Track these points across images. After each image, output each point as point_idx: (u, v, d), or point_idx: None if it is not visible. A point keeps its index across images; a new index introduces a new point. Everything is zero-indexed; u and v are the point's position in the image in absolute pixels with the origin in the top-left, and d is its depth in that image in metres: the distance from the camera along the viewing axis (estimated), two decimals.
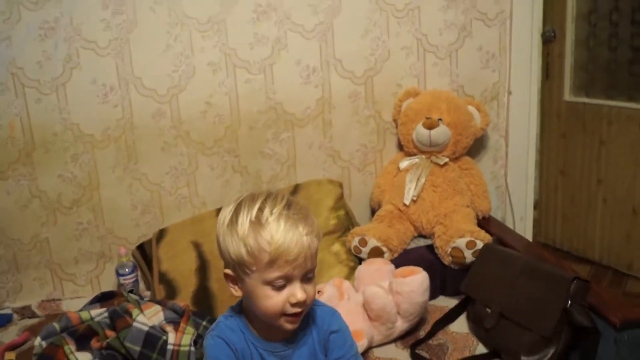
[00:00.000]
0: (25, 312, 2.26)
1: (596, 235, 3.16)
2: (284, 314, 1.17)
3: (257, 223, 1.14)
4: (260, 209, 1.15)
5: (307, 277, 1.17)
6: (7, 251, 2.28)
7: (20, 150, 2.20)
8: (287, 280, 1.15)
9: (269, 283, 1.15)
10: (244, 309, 1.26)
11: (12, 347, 2.02)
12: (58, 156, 2.23)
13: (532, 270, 1.78)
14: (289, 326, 1.19)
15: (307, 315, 1.26)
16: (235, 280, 1.20)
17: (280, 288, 1.15)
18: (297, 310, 1.16)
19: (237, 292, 1.22)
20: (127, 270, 2.20)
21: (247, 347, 1.23)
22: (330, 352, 1.27)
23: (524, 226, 2.69)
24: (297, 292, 1.15)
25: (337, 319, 1.30)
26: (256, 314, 1.21)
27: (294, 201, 1.19)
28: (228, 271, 1.21)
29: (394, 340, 1.91)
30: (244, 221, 1.15)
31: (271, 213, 1.14)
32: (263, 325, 1.23)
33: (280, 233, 1.12)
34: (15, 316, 2.25)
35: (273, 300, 1.15)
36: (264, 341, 1.24)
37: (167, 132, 2.27)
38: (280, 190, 1.23)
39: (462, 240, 2.06)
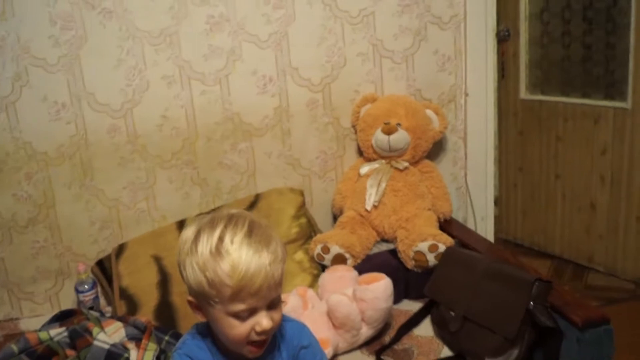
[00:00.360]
0: None
1: (556, 230, 3.23)
2: (249, 342, 1.13)
3: (217, 254, 1.08)
4: (220, 238, 1.09)
5: (273, 304, 1.13)
6: None
7: None
8: (252, 311, 1.11)
9: (234, 315, 1.11)
10: (210, 329, 1.22)
11: None
12: (11, 175, 2.17)
13: (494, 273, 1.80)
14: (252, 355, 1.16)
15: (276, 332, 1.22)
16: (199, 307, 1.17)
17: (245, 318, 1.11)
18: (263, 337, 1.13)
19: (202, 318, 1.18)
20: (86, 287, 2.16)
21: None
22: None
23: (485, 225, 2.71)
24: (262, 321, 1.11)
25: (307, 333, 1.28)
26: (221, 339, 1.19)
27: (256, 225, 1.13)
28: (191, 298, 1.17)
29: (360, 347, 1.91)
30: (204, 251, 1.09)
31: (232, 242, 1.09)
32: (230, 348, 1.20)
33: (242, 265, 1.07)
34: None
35: (238, 330, 1.11)
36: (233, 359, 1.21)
37: (123, 147, 2.24)
38: (241, 212, 1.18)
39: (425, 244, 2.07)
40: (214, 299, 1.11)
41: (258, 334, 1.12)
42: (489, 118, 2.64)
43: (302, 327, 1.28)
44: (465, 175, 2.67)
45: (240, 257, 1.07)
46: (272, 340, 1.22)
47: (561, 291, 1.81)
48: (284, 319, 1.26)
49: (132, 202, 2.30)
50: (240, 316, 1.11)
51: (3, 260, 2.24)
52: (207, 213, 1.97)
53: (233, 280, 1.07)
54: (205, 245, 1.10)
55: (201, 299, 1.14)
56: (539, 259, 3.18)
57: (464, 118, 2.60)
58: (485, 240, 2.37)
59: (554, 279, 1.79)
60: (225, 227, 1.11)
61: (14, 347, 1.80)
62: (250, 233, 1.11)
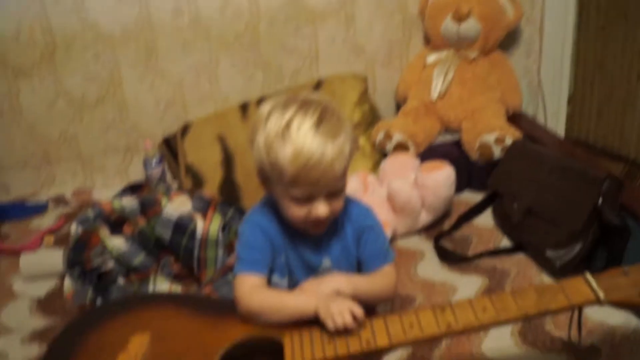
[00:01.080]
0: (60, 201, 2.35)
1: (633, 132, 3.07)
2: (307, 222, 1.15)
3: (282, 137, 1.08)
4: (288, 123, 1.08)
5: (333, 194, 1.13)
6: (38, 146, 2.33)
7: (42, 52, 2.20)
8: (310, 198, 1.11)
9: (292, 198, 1.12)
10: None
11: (50, 232, 2.12)
12: (79, 56, 2.22)
13: (563, 168, 1.75)
14: (313, 232, 1.18)
15: (342, 211, 1.23)
16: (265, 181, 1.19)
17: (302, 202, 1.12)
18: (318, 222, 1.14)
19: (267, 190, 1.21)
20: (154, 162, 2.23)
21: (281, 237, 1.23)
22: (362, 247, 1.25)
23: (556, 122, 2.62)
24: (318, 208, 1.12)
25: (371, 215, 1.28)
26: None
27: (328, 115, 1.10)
28: (259, 170, 1.19)
29: (418, 232, 1.93)
30: (271, 132, 1.09)
31: (298, 128, 1.07)
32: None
33: (304, 153, 1.06)
34: (50, 204, 2.34)
35: (295, 212, 1.13)
36: (299, 234, 1.22)
37: (186, 29, 2.24)
38: (317, 99, 1.14)
39: (491, 135, 2.02)
40: (274, 180, 1.13)
41: (313, 220, 1.13)
42: (569, 9, 2.48)
43: (367, 210, 1.28)
44: (539, 69, 2.55)
45: (303, 145, 1.06)
46: (339, 219, 1.23)
47: (632, 191, 1.75)
48: (351, 200, 1.27)
49: (196, 84, 2.31)
50: (298, 200, 1.12)
51: (76, 136, 2.34)
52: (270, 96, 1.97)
53: (292, 167, 1.07)
54: (273, 126, 1.10)
55: (265, 176, 1.16)
56: (611, 161, 3.06)
57: (541, 7, 2.45)
58: (555, 136, 2.28)
59: (626, 181, 1.71)
60: (296, 112, 1.09)
61: (90, 213, 1.90)
62: (319, 122, 1.08)
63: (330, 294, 1.15)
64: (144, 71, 2.27)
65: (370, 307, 1.22)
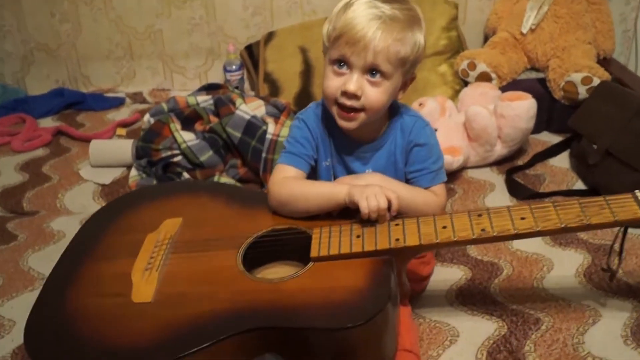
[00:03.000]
0: (137, 97, 2.41)
1: None
2: (337, 102, 1.14)
3: (348, 5, 1.10)
4: None
5: (372, 75, 1.11)
6: (123, 38, 2.38)
7: None
8: (347, 65, 1.11)
9: (332, 63, 1.13)
10: None
11: (123, 125, 2.17)
12: None
13: None
14: (341, 121, 1.16)
15: (396, 121, 1.22)
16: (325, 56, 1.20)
17: (340, 74, 1.12)
18: (347, 102, 1.12)
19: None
20: (234, 67, 2.25)
21: (326, 137, 1.23)
22: (410, 164, 1.23)
23: None
24: (350, 81, 1.11)
25: (427, 132, 1.23)
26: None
27: (398, 5, 1.10)
28: (323, 48, 1.20)
29: (490, 165, 1.90)
30: (340, 4, 1.12)
31: (364, 2, 1.09)
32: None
33: (355, 16, 1.08)
34: (127, 100, 2.40)
35: (330, 82, 1.13)
36: (346, 137, 1.22)
37: None
38: None
39: (578, 75, 1.96)
40: (325, 44, 1.15)
41: (343, 93, 1.12)
42: None
43: (424, 125, 1.24)
44: (637, 17, 2.42)
45: (358, 8, 1.08)
46: (390, 126, 1.22)
47: None
48: (409, 113, 1.25)
49: None
50: (336, 67, 1.12)
51: (161, 32, 2.37)
52: None
53: (339, 24, 1.09)
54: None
55: (324, 49, 1.17)
56: None
57: None
58: None
59: None
60: None
61: (164, 106, 1.94)
62: (386, 2, 1.10)
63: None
64: None
65: None
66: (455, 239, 1.06)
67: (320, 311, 0.97)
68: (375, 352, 1.00)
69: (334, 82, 1.13)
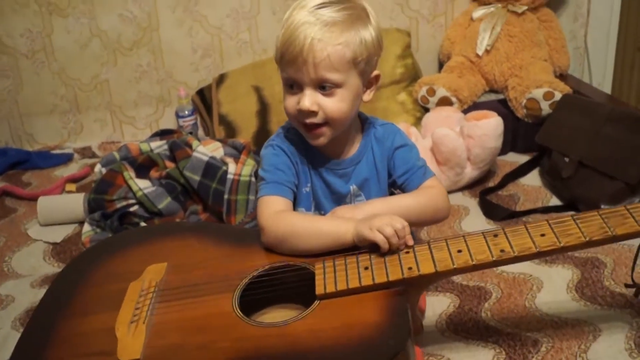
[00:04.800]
0: (86, 152, 2.30)
1: None
2: (301, 122, 1.09)
3: (286, 20, 1.06)
4: (296, 6, 1.06)
5: (323, 89, 1.06)
6: (68, 91, 2.28)
7: None
8: (297, 85, 1.06)
9: (284, 84, 1.09)
10: None
11: (73, 180, 2.06)
12: None
13: (620, 116, 1.67)
14: (308, 139, 1.11)
15: (369, 132, 1.18)
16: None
17: (292, 92, 1.08)
18: (306, 120, 1.07)
19: None
20: (186, 112, 2.18)
21: (305, 161, 1.17)
22: (395, 168, 1.18)
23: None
24: (303, 99, 1.06)
25: (401, 135, 1.20)
26: None
27: (341, 6, 1.05)
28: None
29: (462, 189, 1.85)
30: (283, 19, 1.08)
31: (301, 7, 1.04)
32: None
33: (290, 32, 1.03)
34: (76, 155, 2.29)
35: (288, 102, 1.09)
36: (323, 158, 1.16)
37: None
38: None
39: (540, 90, 1.94)
40: (277, 65, 1.10)
41: (300, 112, 1.07)
42: None
43: (396, 130, 1.20)
44: (586, 34, 2.45)
45: (294, 20, 1.03)
46: (364, 140, 1.17)
47: None
48: (379, 122, 1.20)
49: (235, 32, 2.25)
50: (288, 87, 1.08)
51: (108, 82, 2.28)
52: None
53: (278, 43, 1.05)
54: (287, 12, 1.08)
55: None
56: None
57: None
58: (604, 93, 2.20)
59: None
60: None
61: (116, 155, 1.85)
62: (324, 6, 1.04)
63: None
64: (182, 15, 2.20)
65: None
66: (474, 263, 0.97)
67: (337, 352, 0.88)
68: None
69: (290, 102, 1.08)
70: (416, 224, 1.14)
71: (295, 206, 1.18)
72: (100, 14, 2.17)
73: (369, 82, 1.12)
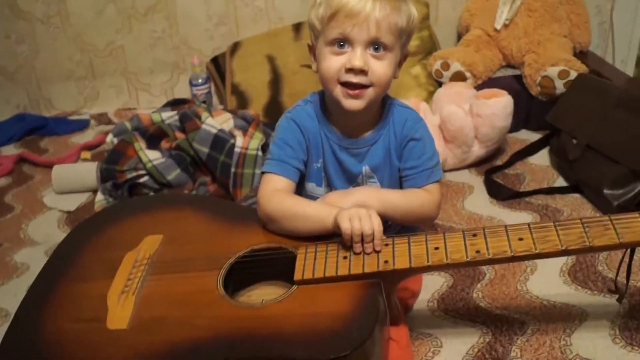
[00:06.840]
0: (102, 119, 2.32)
1: None
2: (341, 82, 1.07)
3: None
4: None
5: (375, 49, 1.05)
6: (83, 57, 2.29)
7: None
8: (348, 42, 1.05)
9: (329, 44, 1.06)
10: (324, 97, 1.18)
11: (88, 148, 2.09)
12: None
13: (631, 100, 1.62)
14: (347, 101, 1.08)
15: (389, 111, 1.16)
16: (313, 50, 1.13)
17: (340, 53, 1.06)
18: (354, 80, 1.05)
19: (314, 64, 1.14)
20: (200, 80, 2.18)
21: (319, 137, 1.16)
22: (404, 160, 1.16)
23: (624, 69, 2.45)
24: (354, 57, 1.04)
25: (422, 127, 1.17)
26: (324, 89, 1.13)
27: None
28: (309, 42, 1.14)
29: (468, 166, 1.84)
30: None
31: None
32: (340, 118, 1.15)
33: None
34: (92, 122, 2.32)
35: (330, 62, 1.06)
36: (339, 135, 1.16)
37: None
38: None
39: (555, 69, 1.90)
40: (318, 28, 1.07)
41: (348, 71, 1.05)
42: None
43: (419, 119, 1.18)
44: (612, 9, 2.37)
45: None
46: (384, 119, 1.16)
47: None
48: (401, 104, 1.19)
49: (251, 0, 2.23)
50: (335, 47, 1.05)
51: (123, 49, 2.28)
52: None
53: (334, 1, 1.03)
54: None
55: (312, 36, 1.11)
56: None
57: None
58: (623, 74, 2.13)
59: None
60: None
61: (128, 125, 1.86)
62: None
63: (354, 205, 1.06)
64: None
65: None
66: (447, 262, 0.98)
67: (303, 340, 0.89)
68: None
69: (334, 62, 1.06)
70: (397, 221, 1.14)
71: (305, 181, 1.19)
72: None
73: (401, 59, 1.12)
